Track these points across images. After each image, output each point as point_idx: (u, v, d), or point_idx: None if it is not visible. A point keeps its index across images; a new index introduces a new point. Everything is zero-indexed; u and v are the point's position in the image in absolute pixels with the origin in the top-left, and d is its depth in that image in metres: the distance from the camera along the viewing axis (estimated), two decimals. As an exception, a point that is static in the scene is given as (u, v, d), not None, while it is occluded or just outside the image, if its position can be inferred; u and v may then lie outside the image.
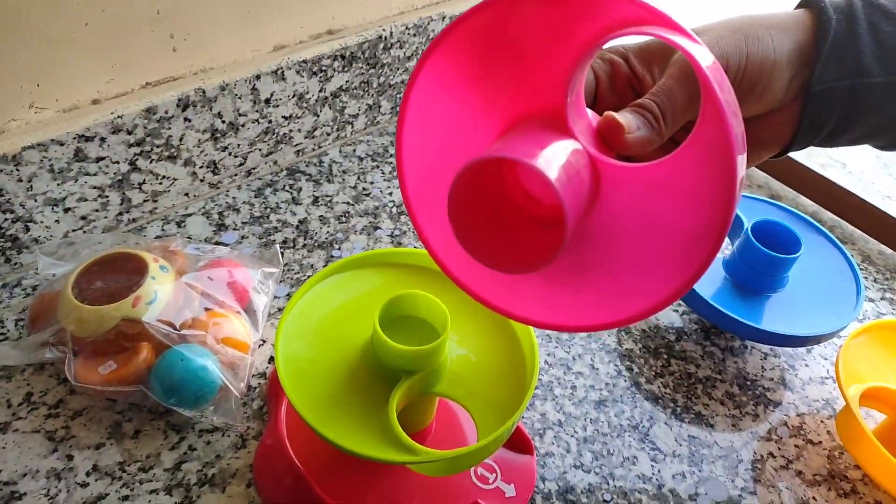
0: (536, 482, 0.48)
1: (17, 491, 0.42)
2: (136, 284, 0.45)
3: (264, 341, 0.53)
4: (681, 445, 0.51)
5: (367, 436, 0.38)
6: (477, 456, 0.40)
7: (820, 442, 0.53)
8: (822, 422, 0.54)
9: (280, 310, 0.56)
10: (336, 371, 0.41)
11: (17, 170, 0.50)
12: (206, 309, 0.48)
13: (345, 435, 0.38)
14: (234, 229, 0.62)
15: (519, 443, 0.49)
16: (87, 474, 0.44)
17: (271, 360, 0.52)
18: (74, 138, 0.51)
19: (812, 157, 0.85)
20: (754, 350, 0.59)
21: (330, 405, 0.40)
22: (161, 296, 0.46)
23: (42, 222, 0.54)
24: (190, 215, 0.62)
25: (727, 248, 0.67)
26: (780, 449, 0.52)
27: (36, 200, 0.52)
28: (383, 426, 0.39)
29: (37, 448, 0.45)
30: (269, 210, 0.64)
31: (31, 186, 0.51)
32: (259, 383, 0.50)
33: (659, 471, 0.49)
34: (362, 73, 0.69)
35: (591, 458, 0.49)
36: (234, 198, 0.65)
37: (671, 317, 0.61)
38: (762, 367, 0.58)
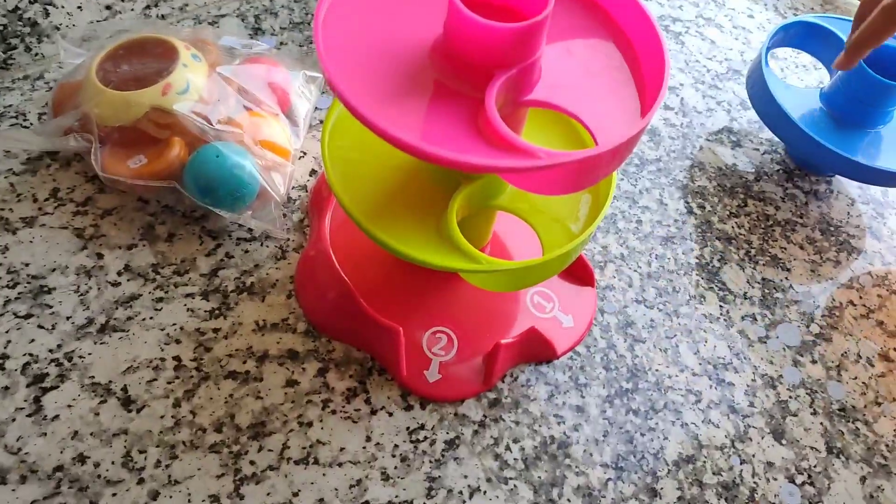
0: (596, 314, 0.44)
1: (46, 285, 0.40)
2: (165, 71, 0.41)
3: (305, 153, 0.49)
4: (753, 288, 0.47)
5: (424, 242, 0.35)
6: (543, 271, 0.36)
7: (906, 293, 0.49)
8: (909, 273, 0.50)
9: (322, 122, 0.51)
10: (389, 174, 0.37)
11: (30, -63, 0.44)
12: (244, 107, 0.43)
13: (400, 239, 0.34)
14: (272, 34, 0.56)
15: (579, 273, 0.45)
16: (119, 274, 0.41)
17: (313, 172, 0.48)
18: None
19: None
20: (840, 195, 0.53)
21: (383, 209, 0.36)
22: (193, 86, 0.41)
23: (63, 6, 0.48)
24: (224, 16, 0.56)
25: (824, 80, 0.60)
26: (861, 298, 0.48)
27: (54, -21, 0.47)
28: (441, 233, 0.35)
29: (65, 244, 0.42)
30: (309, 16, 0.58)
31: (48, -39, 0.46)
32: (300, 196, 0.47)
33: (727, 311, 0.46)
34: None
35: (655, 294, 0.46)
36: (271, 0, 0.58)
37: (751, 155, 0.55)
38: (848, 213, 0.52)
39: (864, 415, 0.42)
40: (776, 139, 0.56)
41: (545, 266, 0.35)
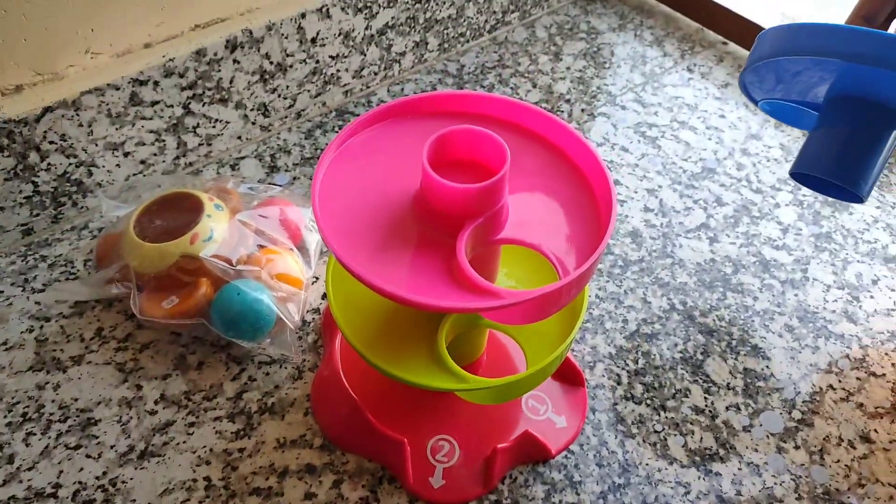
0: (587, 413, 0.48)
1: (92, 417, 0.45)
2: (193, 222, 0.47)
3: (317, 278, 0.54)
4: (735, 378, 0.50)
5: (418, 365, 0.39)
6: (525, 385, 0.40)
7: (884, 374, 0.51)
8: (886, 354, 0.53)
9: (332, 248, 0.57)
10: (385, 304, 0.42)
11: (78, 115, 0.51)
12: (260, 246, 0.49)
13: (396, 363, 0.38)
14: (286, 170, 0.63)
15: (569, 375, 0.49)
16: (156, 402, 0.46)
17: (324, 296, 0.53)
18: (129, 82, 0.53)
19: None
20: (815, 282, 0.57)
21: (381, 337, 0.40)
22: (217, 233, 0.47)
23: (104, 166, 0.56)
24: (243, 158, 0.63)
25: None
26: (840, 381, 0.51)
27: (97, 145, 0.54)
28: (434, 356, 0.39)
29: (108, 378, 0.47)
30: (319, 151, 0.65)
31: (92, 131, 0.53)
32: (313, 318, 0.52)
33: (712, 403, 0.49)
34: (408, 9, 0.68)
35: (642, 390, 0.49)
36: (284, 140, 0.66)
37: (728, 249, 0.59)
38: (824, 298, 0.56)
39: (849, 497, 0.45)
40: (751, 232, 0.60)
41: (527, 380, 0.39)
